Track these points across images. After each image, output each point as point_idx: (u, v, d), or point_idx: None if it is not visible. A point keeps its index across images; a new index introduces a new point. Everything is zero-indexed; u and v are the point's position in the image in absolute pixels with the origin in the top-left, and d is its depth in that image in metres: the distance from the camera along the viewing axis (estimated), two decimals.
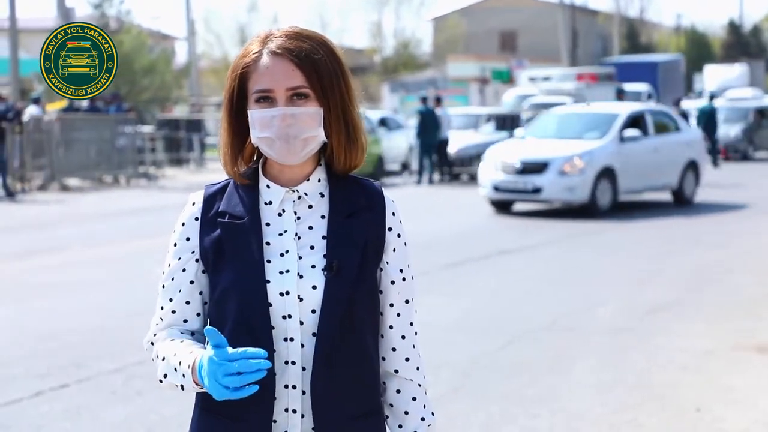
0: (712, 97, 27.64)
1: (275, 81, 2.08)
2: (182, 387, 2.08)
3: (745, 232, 13.46)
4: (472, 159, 22.34)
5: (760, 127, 29.14)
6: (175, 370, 2.07)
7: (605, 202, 15.52)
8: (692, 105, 32.60)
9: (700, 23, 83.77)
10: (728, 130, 27.69)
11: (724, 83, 41.31)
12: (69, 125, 22.00)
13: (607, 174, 15.57)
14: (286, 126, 2.08)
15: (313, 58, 2.09)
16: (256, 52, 2.12)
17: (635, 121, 16.53)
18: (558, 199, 15.41)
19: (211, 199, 2.17)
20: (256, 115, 2.10)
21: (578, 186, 15.16)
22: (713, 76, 43.42)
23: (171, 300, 2.17)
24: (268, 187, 2.16)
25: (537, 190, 15.24)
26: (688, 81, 53.24)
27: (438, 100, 22.99)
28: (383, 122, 25.72)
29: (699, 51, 62.00)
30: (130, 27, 36.82)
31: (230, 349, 1.96)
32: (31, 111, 21.49)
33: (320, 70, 2.10)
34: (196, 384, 2.04)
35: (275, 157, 2.11)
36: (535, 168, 15.23)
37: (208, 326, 1.98)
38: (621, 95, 22.03)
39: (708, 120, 25.56)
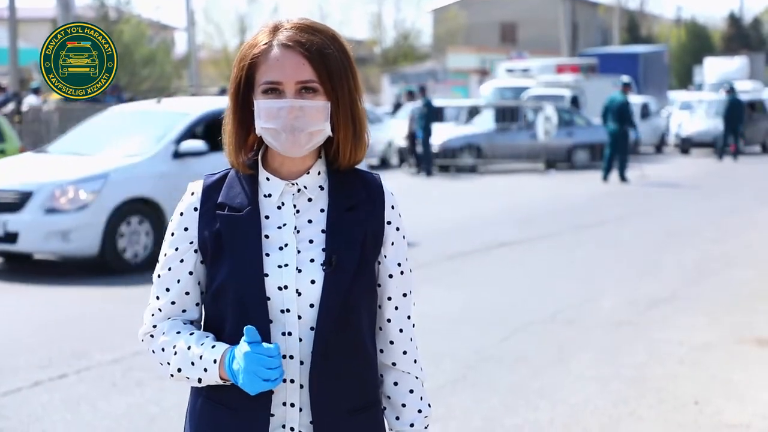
0: (731, 89, 26.52)
1: (285, 74, 2.06)
2: (199, 380, 2.09)
3: (745, 226, 13.46)
4: (455, 151, 22.35)
5: (751, 120, 28.30)
6: (193, 363, 2.08)
7: (142, 256, 10.01)
8: (694, 97, 32.45)
9: (700, 15, 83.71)
10: (719, 124, 26.53)
11: (724, 76, 41.12)
12: (68, 115, 21.95)
13: (144, 209, 10.03)
14: (293, 118, 2.06)
15: (324, 52, 2.07)
16: (265, 43, 2.09)
17: None
18: (43, 250, 9.88)
19: (210, 190, 2.16)
20: (262, 105, 2.08)
21: (77, 230, 9.63)
22: (713, 68, 43.29)
23: (168, 290, 2.16)
24: (267, 179, 2.15)
25: (11, 237, 9.65)
26: (688, 73, 53.20)
27: (423, 90, 22.84)
28: None
29: (699, 43, 61.93)
30: (129, 17, 36.81)
31: (265, 345, 2.01)
32: (29, 101, 21.49)
33: (330, 65, 2.08)
34: (222, 378, 2.06)
35: (279, 149, 2.09)
36: (11, 202, 9.69)
37: (248, 325, 2.01)
38: (627, 88, 20.36)
39: (733, 112, 25.12)
